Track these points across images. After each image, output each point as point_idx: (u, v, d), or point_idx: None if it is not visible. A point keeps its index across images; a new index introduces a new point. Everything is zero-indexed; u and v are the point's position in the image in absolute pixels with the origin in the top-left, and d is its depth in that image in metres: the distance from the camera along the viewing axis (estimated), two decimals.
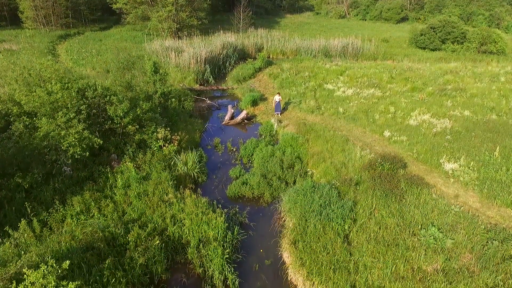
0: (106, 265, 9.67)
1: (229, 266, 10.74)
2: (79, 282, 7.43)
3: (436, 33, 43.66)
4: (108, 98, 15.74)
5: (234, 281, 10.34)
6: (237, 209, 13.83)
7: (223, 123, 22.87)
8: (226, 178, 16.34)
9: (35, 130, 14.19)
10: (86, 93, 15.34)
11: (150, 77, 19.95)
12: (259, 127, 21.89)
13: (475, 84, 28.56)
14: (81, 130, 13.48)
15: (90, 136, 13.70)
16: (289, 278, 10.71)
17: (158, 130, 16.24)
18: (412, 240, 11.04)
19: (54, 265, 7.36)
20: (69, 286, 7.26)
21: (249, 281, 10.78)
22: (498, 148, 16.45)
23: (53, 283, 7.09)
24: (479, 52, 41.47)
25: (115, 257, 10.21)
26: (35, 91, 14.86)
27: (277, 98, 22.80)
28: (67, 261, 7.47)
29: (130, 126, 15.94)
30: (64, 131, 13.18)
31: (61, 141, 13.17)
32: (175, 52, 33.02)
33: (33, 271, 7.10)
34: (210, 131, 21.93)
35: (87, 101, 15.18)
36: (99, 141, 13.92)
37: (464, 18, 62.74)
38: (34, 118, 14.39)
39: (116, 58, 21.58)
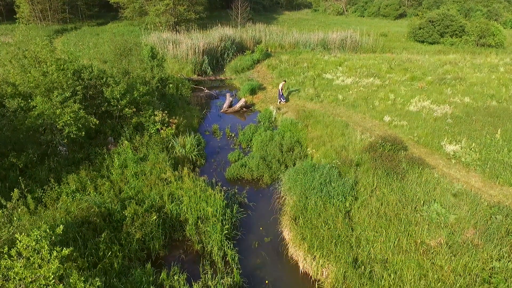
0: (102, 238, 9.44)
1: (228, 242, 10.52)
2: (72, 249, 7.18)
3: (435, 27, 43.55)
4: (104, 79, 15.49)
5: (233, 256, 10.11)
6: (236, 190, 13.61)
7: (221, 111, 22.63)
8: (225, 161, 16.11)
9: (30, 111, 13.90)
10: (82, 74, 15.09)
11: (148, 63, 19.70)
12: (258, 114, 21.65)
13: (475, 74, 28.40)
14: (77, 110, 13.21)
15: (86, 115, 13.43)
16: (289, 254, 10.49)
17: (155, 113, 15.99)
18: (415, 215, 10.84)
19: (48, 230, 7.11)
20: (63, 252, 7.02)
21: (248, 257, 10.55)
22: (499, 130, 16.29)
23: (47, 247, 6.84)
24: (477, 45, 41.38)
25: (112, 232, 9.98)
26: (30, 72, 14.61)
27: (280, 85, 22.63)
28: (61, 226, 7.22)
29: (127, 109, 15.69)
30: (59, 110, 12.91)
31: (57, 120, 12.90)
32: (172, 43, 32.73)
33: (25, 236, 6.85)
34: (208, 118, 21.71)
35: (83, 83, 14.92)
36: (95, 121, 13.66)
37: (462, 14, 62.67)
38: (29, 100, 14.12)
39: (112, 43, 21.22)
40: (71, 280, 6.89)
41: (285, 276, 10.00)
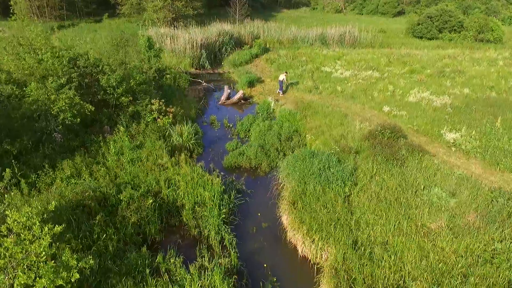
0: (97, 221, 9.24)
1: (225, 227, 10.34)
2: (65, 226, 6.99)
3: (433, 22, 43.49)
4: (100, 67, 15.30)
5: (231, 241, 9.92)
6: (233, 178, 13.43)
7: (219, 103, 22.43)
8: (222, 150, 15.91)
9: (24, 98, 13.69)
10: (77, 62, 14.90)
11: (144, 53, 19.49)
12: (256, 106, 21.46)
13: (473, 67, 28.29)
14: (72, 96, 13.01)
15: (81, 102, 13.23)
16: (288, 238, 10.32)
17: (152, 102, 15.79)
18: (415, 199, 10.68)
19: (39, 207, 6.91)
20: (55, 229, 6.83)
21: (246, 242, 10.37)
22: (499, 119, 16.16)
23: (38, 224, 6.65)
24: (476, 40, 41.30)
25: (107, 216, 9.79)
26: (25, 59, 14.42)
27: (281, 76, 22.51)
28: (53, 202, 7.02)
29: (123, 98, 15.52)
30: (54, 96, 12.71)
31: (51, 106, 12.70)
32: (170, 38, 32.52)
33: (15, 212, 6.66)
34: (206, 110, 21.52)
35: (79, 70, 14.73)
36: (91, 108, 13.47)
37: (461, 11, 62.60)
38: (24, 88, 13.89)
39: (109, 35, 21.05)
40: (63, 258, 6.69)
41: (283, 259, 9.82)
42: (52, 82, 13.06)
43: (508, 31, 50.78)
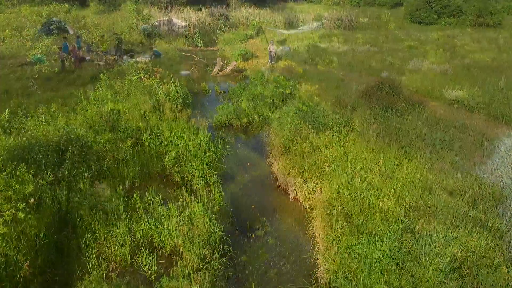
0: (67, 157, 8.38)
1: (211, 171, 9.49)
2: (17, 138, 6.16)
3: (432, 7, 42.76)
4: (82, 23, 14.47)
5: (216, 184, 9.08)
6: (223, 133, 12.62)
7: (212, 74, 21.58)
8: (212, 112, 15.06)
9: None
10: (58, 15, 14.06)
11: (133, 19, 18.64)
12: (250, 76, 20.64)
13: (474, 44, 27.60)
14: (49, 45, 12.17)
15: (60, 52, 12.38)
16: (278, 183, 9.51)
17: (138, 61, 14.93)
18: (416, 142, 9.88)
19: None
20: (9, 140, 6.00)
21: (234, 188, 9.57)
22: (503, 78, 15.43)
23: None
24: (475, 25, 40.54)
25: (80, 157, 8.94)
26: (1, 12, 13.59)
27: (271, 47, 21.74)
28: (8, 110, 6.19)
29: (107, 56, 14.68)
30: (30, 43, 11.86)
31: (26, 54, 11.85)
32: (163, 17, 31.66)
33: None
34: (197, 81, 20.64)
35: (59, 24, 13.88)
36: (70, 58, 12.61)
37: None
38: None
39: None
40: (18, 173, 5.87)
41: (273, 202, 9.04)
42: (27, 30, 12.22)
43: (507, 19, 50.13)
